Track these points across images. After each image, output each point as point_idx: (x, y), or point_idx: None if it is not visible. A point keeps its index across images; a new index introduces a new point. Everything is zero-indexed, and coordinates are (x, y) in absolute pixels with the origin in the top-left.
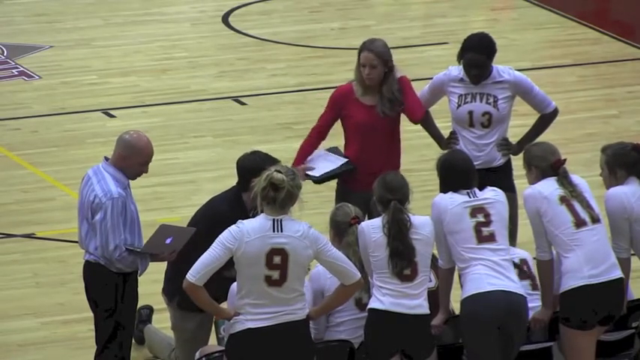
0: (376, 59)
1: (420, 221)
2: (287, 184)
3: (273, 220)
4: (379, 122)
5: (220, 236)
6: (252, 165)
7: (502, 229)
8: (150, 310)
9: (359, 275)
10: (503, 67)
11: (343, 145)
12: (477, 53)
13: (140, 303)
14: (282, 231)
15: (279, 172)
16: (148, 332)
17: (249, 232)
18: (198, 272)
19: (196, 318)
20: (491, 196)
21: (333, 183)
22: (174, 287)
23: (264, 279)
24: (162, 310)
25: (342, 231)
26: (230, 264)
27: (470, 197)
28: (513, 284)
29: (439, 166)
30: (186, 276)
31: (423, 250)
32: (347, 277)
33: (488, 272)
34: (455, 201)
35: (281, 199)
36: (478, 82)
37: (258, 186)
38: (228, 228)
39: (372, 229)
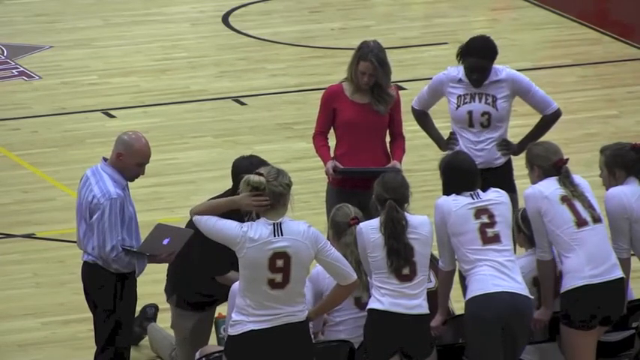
0: (377, 69)
1: (418, 221)
2: (267, 185)
3: (273, 224)
4: (370, 119)
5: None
6: (241, 170)
7: (506, 230)
8: (155, 308)
9: (355, 276)
10: (499, 67)
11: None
12: (481, 58)
13: (140, 303)
14: (282, 234)
15: (257, 173)
16: (151, 331)
17: (251, 239)
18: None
19: (194, 317)
20: (495, 197)
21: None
22: (172, 285)
23: (267, 282)
24: (165, 310)
25: (341, 231)
26: (227, 268)
27: (473, 199)
28: (518, 285)
29: (443, 167)
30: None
31: (422, 249)
32: (343, 277)
33: (494, 273)
34: (459, 203)
35: None
36: (479, 85)
37: (242, 192)
38: (239, 224)
39: (371, 229)
